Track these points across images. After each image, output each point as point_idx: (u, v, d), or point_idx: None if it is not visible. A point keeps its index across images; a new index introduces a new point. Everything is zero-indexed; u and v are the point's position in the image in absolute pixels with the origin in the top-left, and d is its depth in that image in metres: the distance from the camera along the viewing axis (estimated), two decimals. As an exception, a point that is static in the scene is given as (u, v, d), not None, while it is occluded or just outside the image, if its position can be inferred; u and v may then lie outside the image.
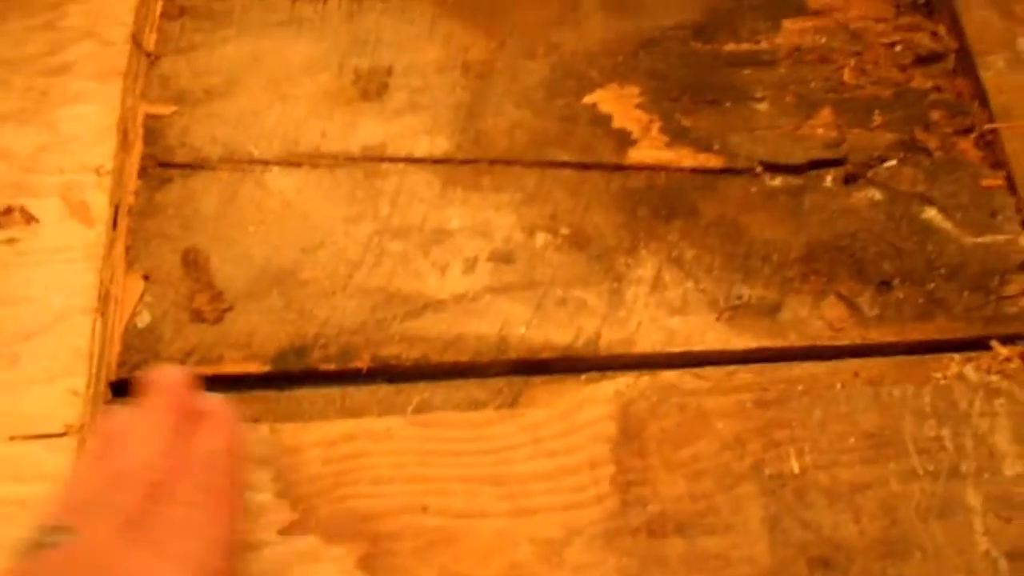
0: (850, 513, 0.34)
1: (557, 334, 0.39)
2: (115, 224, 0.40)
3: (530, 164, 0.43)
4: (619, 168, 0.43)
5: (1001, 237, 0.41)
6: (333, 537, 0.33)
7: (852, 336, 0.39)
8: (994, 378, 0.37)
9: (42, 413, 0.35)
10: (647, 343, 0.39)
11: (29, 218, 0.39)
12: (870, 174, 0.43)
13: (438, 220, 0.42)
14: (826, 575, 0.33)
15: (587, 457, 0.35)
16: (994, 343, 0.38)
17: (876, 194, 0.42)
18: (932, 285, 0.40)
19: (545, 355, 0.38)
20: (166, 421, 0.30)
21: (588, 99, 0.45)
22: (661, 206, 0.42)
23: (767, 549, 0.33)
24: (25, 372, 0.36)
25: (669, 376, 0.38)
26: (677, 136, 0.44)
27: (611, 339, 0.39)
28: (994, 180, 0.43)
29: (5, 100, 0.42)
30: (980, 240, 0.41)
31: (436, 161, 0.43)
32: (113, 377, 0.38)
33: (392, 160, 0.43)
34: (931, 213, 0.42)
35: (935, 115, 0.45)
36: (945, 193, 0.42)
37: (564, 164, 0.43)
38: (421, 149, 0.43)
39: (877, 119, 0.45)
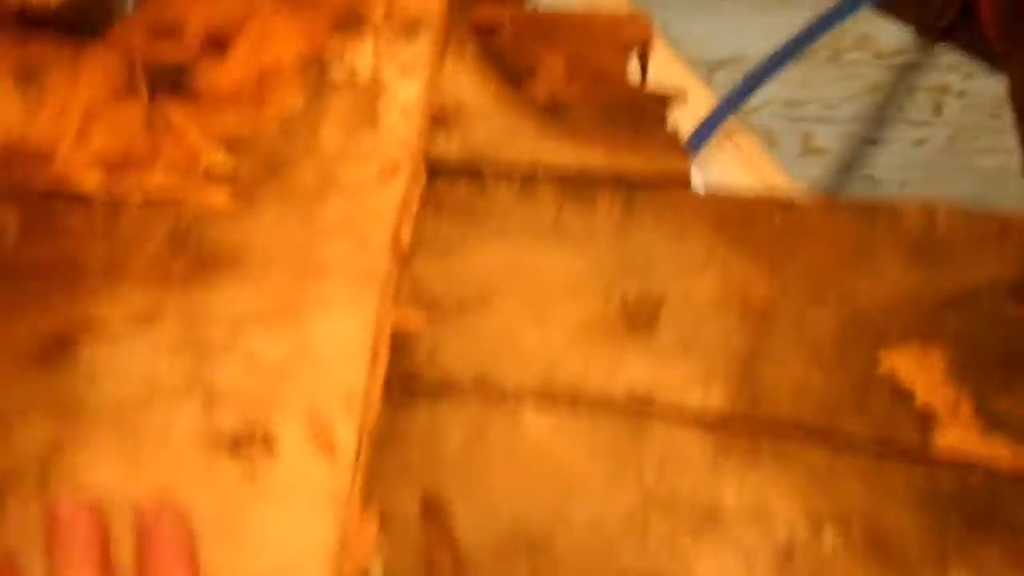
0: None
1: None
2: (358, 457, 0.36)
3: (818, 438, 0.37)
4: (923, 458, 0.37)
5: None
6: None
7: None
8: None
9: None
10: None
11: (269, 444, 0.36)
12: None
13: (709, 496, 0.36)
14: None
15: None
16: None
17: None
18: None
19: None
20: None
21: (885, 362, 0.39)
22: (975, 515, 0.36)
23: None
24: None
25: None
26: (991, 423, 0.38)
27: None
28: None
29: (256, 297, 0.39)
30: None
31: (709, 421, 0.38)
32: (340, 644, 0.34)
33: (660, 413, 0.38)
34: None
35: None
36: None
37: (858, 445, 0.37)
38: (693, 400, 0.38)
39: None
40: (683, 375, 0.39)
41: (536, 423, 0.38)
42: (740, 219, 0.42)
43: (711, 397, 0.38)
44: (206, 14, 0.46)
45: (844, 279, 0.41)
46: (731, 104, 0.66)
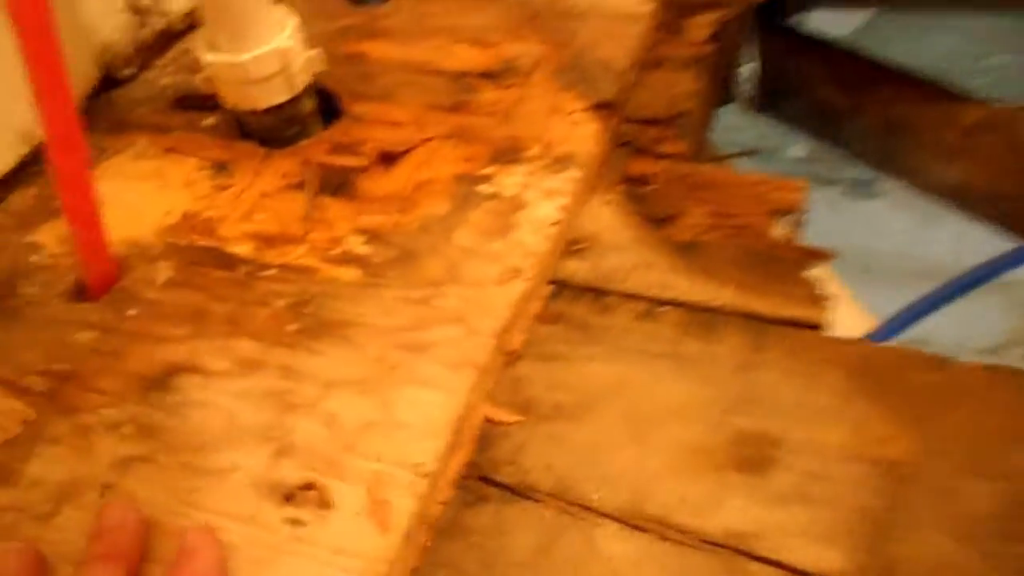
0: None
1: None
2: (409, 537, 0.33)
3: (963, 629, 0.30)
4: None
5: None
6: None
7: None
8: None
9: None
10: None
11: (325, 503, 0.33)
12: None
13: (814, 670, 0.29)
14: None
15: None
16: None
17: None
18: None
19: None
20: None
21: (1057, 556, 0.31)
22: None
23: None
24: None
25: None
26: None
27: None
28: None
29: (353, 364, 0.38)
30: None
31: (821, 580, 0.31)
32: None
33: (761, 560, 0.32)
34: None
35: None
36: None
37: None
38: (806, 559, 0.32)
39: None
40: (798, 527, 0.33)
41: (616, 546, 0.33)
42: (881, 370, 0.38)
43: (830, 560, 0.32)
44: (384, 137, 0.51)
45: (1009, 452, 0.34)
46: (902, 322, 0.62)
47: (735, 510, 0.34)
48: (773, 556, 0.32)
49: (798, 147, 1.91)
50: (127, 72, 0.58)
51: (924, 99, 0.91)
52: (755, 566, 0.32)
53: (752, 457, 0.35)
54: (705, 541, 0.33)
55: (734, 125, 1.24)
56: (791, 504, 0.34)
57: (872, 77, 0.95)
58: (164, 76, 0.59)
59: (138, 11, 0.58)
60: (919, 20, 1.58)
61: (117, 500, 0.34)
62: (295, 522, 0.33)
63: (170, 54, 0.61)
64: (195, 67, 0.58)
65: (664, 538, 0.33)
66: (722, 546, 0.33)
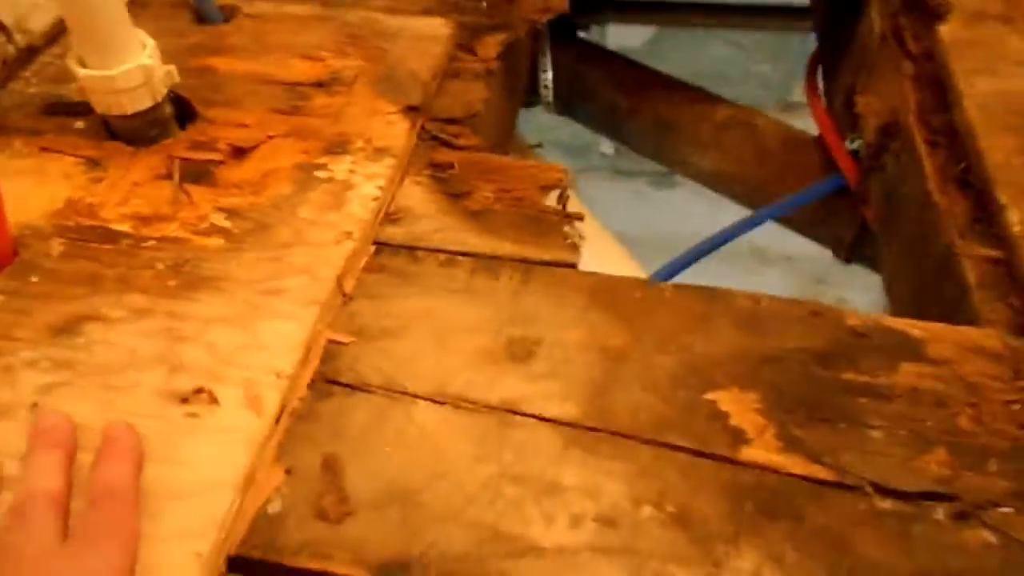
0: None
1: (648, 603, 0.39)
2: (278, 420, 0.46)
3: (647, 442, 0.47)
4: (731, 461, 0.46)
5: None
6: None
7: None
8: None
9: (165, 566, 0.39)
10: (738, 634, 0.38)
11: (213, 400, 0.46)
12: (984, 516, 0.43)
13: (554, 475, 0.45)
14: None
15: None
16: None
17: (990, 537, 0.42)
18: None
19: (633, 620, 0.39)
20: (57, 458, 0.41)
21: (709, 396, 0.49)
22: (768, 505, 0.44)
23: None
24: (164, 528, 0.41)
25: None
26: (790, 444, 0.47)
27: (701, 623, 0.39)
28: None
29: (225, 306, 0.51)
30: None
31: (562, 423, 0.47)
32: (233, 552, 0.41)
33: (524, 415, 0.48)
34: (1049, 568, 0.41)
35: (1056, 473, 0.45)
36: (1066, 551, 0.41)
37: (679, 448, 0.46)
38: (552, 411, 0.48)
39: (993, 466, 0.46)
40: (547, 393, 0.49)
41: (425, 415, 0.48)
42: (609, 292, 0.55)
43: (567, 409, 0.48)
44: (234, 135, 0.63)
45: (684, 337, 0.52)
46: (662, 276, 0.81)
47: (507, 386, 0.49)
48: (532, 412, 0.48)
49: (607, 144, 2.14)
50: (-7, 79, 0.67)
51: (685, 100, 1.11)
52: (519, 419, 0.48)
53: (519, 353, 0.51)
54: (487, 407, 0.48)
55: (550, 124, 1.42)
56: (545, 380, 0.50)
57: (645, 82, 1.15)
58: (30, 86, 0.68)
59: (2, 29, 0.67)
60: (698, 34, 1.85)
61: (47, 408, 0.45)
62: (192, 415, 0.45)
63: (33, 67, 0.70)
64: (59, 78, 0.67)
65: (458, 407, 0.48)
66: (498, 408, 0.48)
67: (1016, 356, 0.51)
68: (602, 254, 1.06)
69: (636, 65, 1.21)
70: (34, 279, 0.52)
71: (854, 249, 0.98)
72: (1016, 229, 0.58)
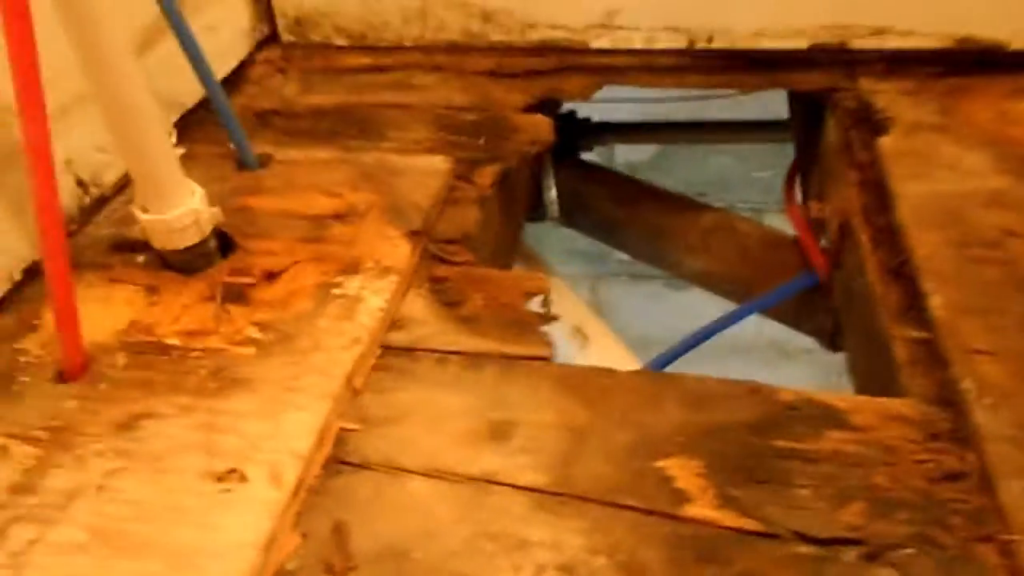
0: None
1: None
2: (296, 493, 0.56)
3: (604, 503, 0.55)
4: (674, 518, 0.54)
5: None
6: None
7: None
8: None
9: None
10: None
11: (243, 478, 0.56)
12: (889, 557, 0.51)
13: (523, 533, 0.54)
14: None
15: None
16: None
17: (893, 574, 0.50)
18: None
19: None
20: None
21: (659, 463, 0.57)
22: (702, 552, 0.52)
23: None
24: (200, 581, 0.50)
25: None
26: (727, 502, 0.55)
27: (641, 649, 0.46)
28: (1005, 580, 0.48)
29: (254, 402, 0.62)
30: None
31: (532, 489, 0.56)
32: (259, 602, 0.51)
33: (500, 484, 0.57)
34: (943, 598, 0.48)
35: (956, 520, 0.53)
36: (958, 584, 0.49)
37: (630, 507, 0.55)
38: (523, 480, 0.57)
39: (902, 515, 0.53)
40: (521, 465, 0.58)
41: (418, 487, 0.57)
42: (576, 379, 0.64)
43: (536, 478, 0.57)
44: (266, 262, 0.76)
45: (639, 415, 0.61)
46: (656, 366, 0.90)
47: (487, 461, 0.59)
48: (507, 481, 0.57)
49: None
50: (72, 228, 0.81)
51: (674, 209, 1.23)
52: (496, 487, 0.57)
53: (498, 433, 0.61)
54: (469, 478, 0.58)
55: (570, 235, 1.54)
56: (519, 455, 0.59)
57: (638, 195, 1.27)
58: (101, 229, 0.82)
59: (81, 183, 0.82)
60: (700, 147, 1.99)
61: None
62: (226, 491, 0.55)
63: (103, 213, 0.84)
64: (125, 221, 0.81)
65: (443, 479, 0.57)
66: (479, 479, 0.57)
67: (929, 421, 0.59)
68: (603, 351, 1.16)
69: (630, 180, 1.34)
70: (102, 386, 0.64)
71: (835, 338, 1.07)
72: (938, 313, 0.67)
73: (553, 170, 1.30)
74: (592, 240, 1.47)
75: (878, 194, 0.85)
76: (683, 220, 1.22)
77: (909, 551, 0.51)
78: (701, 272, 1.19)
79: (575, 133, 1.37)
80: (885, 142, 0.88)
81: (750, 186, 1.91)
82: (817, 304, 1.06)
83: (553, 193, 1.31)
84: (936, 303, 0.67)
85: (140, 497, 0.55)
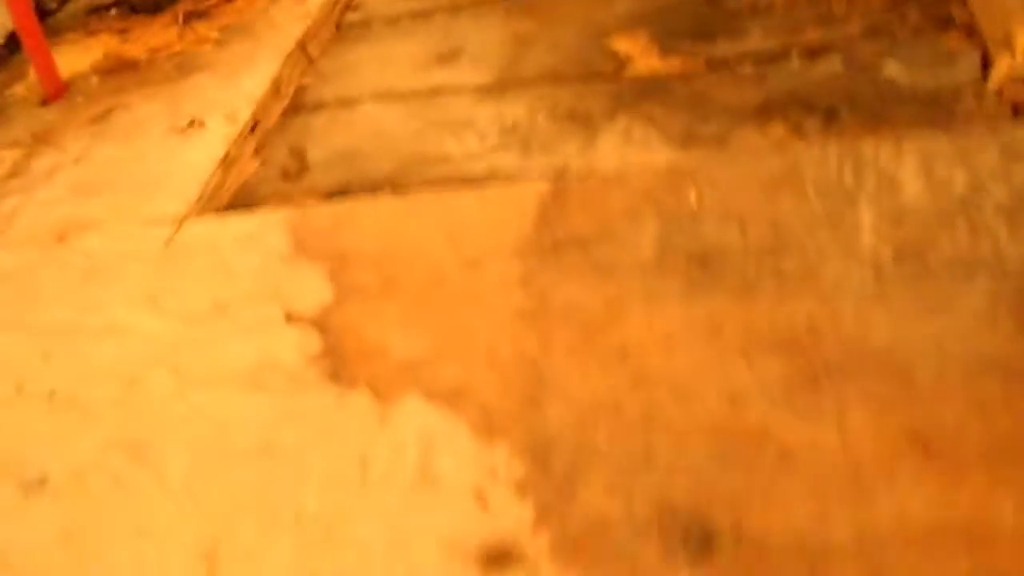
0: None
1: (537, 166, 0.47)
2: (253, 129, 0.57)
3: (549, 81, 0.54)
4: (617, 78, 0.53)
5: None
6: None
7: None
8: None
9: (158, 214, 0.51)
10: (609, 164, 0.46)
11: (202, 125, 0.58)
12: (835, 49, 0.48)
13: (468, 116, 0.54)
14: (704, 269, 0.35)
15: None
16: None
17: (837, 65, 0.47)
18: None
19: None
20: None
21: (604, 41, 0.56)
22: (644, 91, 0.51)
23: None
24: (156, 195, 0.53)
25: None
26: (669, 52, 0.53)
27: (578, 165, 0.46)
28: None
29: (213, 77, 0.63)
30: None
31: (479, 88, 0.56)
32: (224, 205, 0.53)
33: (448, 90, 0.57)
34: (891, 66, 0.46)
35: (913, 14, 0.49)
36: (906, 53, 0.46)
37: (573, 77, 0.54)
38: (472, 81, 0.57)
39: (854, 26, 0.50)
40: (467, 75, 0.58)
41: (370, 110, 0.58)
42: (526, 3, 0.63)
43: (483, 78, 0.57)
44: (226, -10, 0.77)
45: (588, 13, 0.60)
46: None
47: (435, 77, 0.59)
48: (455, 85, 0.57)
49: None
50: (52, 5, 0.84)
51: None
52: (445, 93, 0.57)
53: (447, 58, 0.60)
54: (418, 92, 0.58)
55: None
56: (466, 68, 0.59)
57: None
58: (80, 3, 0.85)
59: (54, -37, 0.84)
60: None
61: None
62: (187, 137, 0.58)
63: (81, -9, 0.87)
64: (99, -9, 0.83)
65: (393, 99, 0.58)
66: (427, 93, 0.57)
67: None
68: None
69: None
70: (79, 99, 0.67)
71: None
72: None
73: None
74: None
75: None
76: None
77: (858, 45, 0.48)
78: None
79: None
80: None
81: None
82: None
83: None
84: None
85: (111, 157, 0.58)
